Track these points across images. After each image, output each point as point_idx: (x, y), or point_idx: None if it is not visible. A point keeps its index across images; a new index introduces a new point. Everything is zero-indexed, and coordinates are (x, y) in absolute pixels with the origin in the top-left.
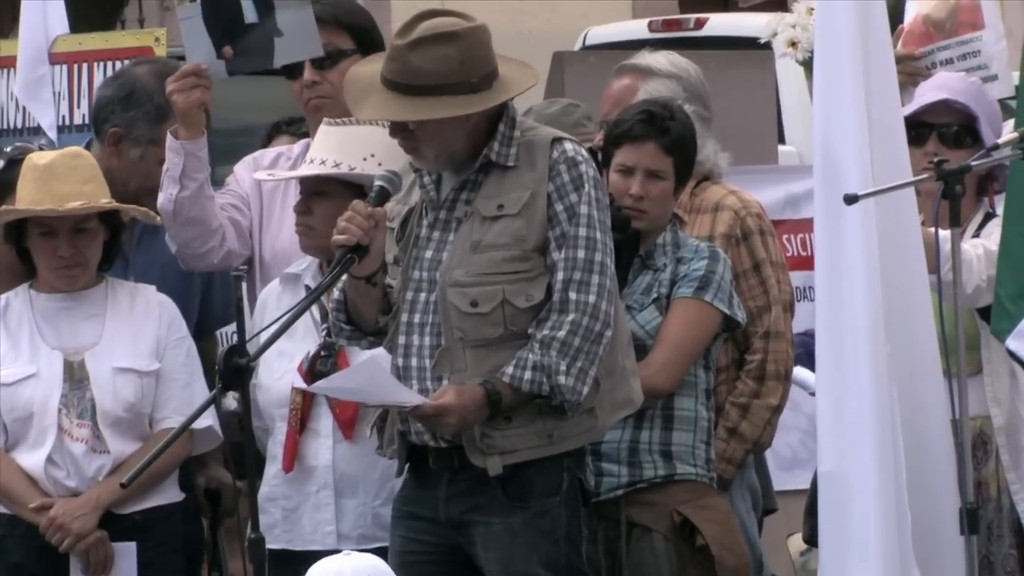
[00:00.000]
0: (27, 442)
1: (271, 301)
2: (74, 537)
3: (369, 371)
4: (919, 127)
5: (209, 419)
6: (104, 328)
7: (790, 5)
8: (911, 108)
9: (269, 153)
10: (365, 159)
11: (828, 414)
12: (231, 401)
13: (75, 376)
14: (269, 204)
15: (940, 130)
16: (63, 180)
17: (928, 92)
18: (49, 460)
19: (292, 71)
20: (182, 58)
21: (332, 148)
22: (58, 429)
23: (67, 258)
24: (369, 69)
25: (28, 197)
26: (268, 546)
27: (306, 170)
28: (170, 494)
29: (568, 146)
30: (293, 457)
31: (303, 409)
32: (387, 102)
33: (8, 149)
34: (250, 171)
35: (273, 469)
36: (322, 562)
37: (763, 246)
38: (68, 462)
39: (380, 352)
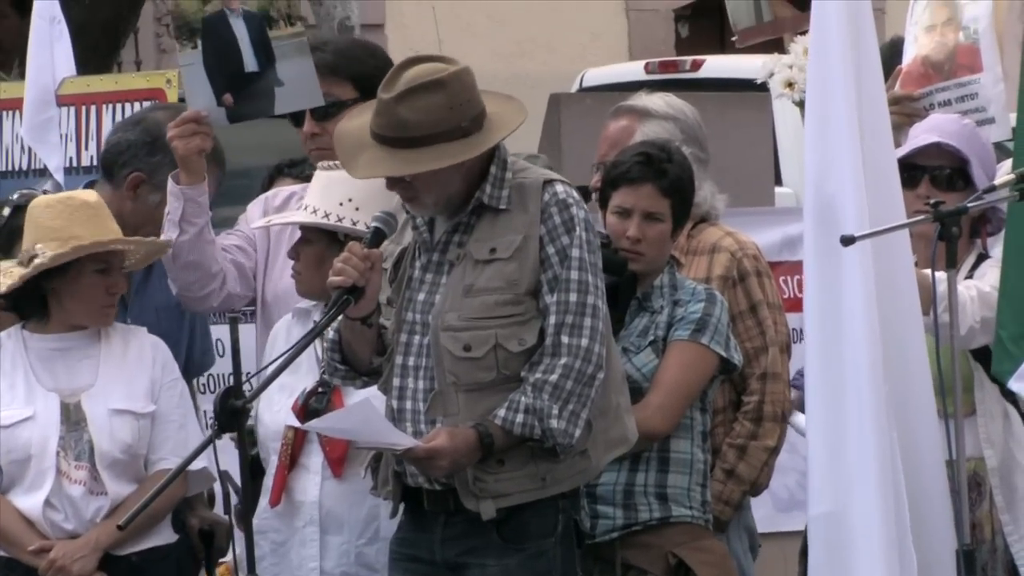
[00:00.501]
0: (24, 484)
1: (281, 335)
2: None
3: (363, 412)
4: (911, 169)
5: (203, 461)
6: (99, 370)
7: (786, 46)
8: (903, 150)
9: (282, 193)
10: (342, 204)
11: (822, 456)
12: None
13: (71, 418)
14: (275, 245)
15: (932, 172)
16: (108, 218)
17: (921, 134)
18: (47, 503)
19: (297, 118)
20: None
21: (315, 195)
22: (56, 471)
23: (114, 295)
24: (357, 123)
25: (86, 234)
26: None
27: (279, 219)
28: (165, 535)
29: (559, 188)
30: (281, 491)
31: (294, 445)
32: (380, 159)
33: (14, 196)
34: (260, 211)
35: (264, 502)
36: None
37: (760, 287)
38: (66, 504)
39: (374, 392)
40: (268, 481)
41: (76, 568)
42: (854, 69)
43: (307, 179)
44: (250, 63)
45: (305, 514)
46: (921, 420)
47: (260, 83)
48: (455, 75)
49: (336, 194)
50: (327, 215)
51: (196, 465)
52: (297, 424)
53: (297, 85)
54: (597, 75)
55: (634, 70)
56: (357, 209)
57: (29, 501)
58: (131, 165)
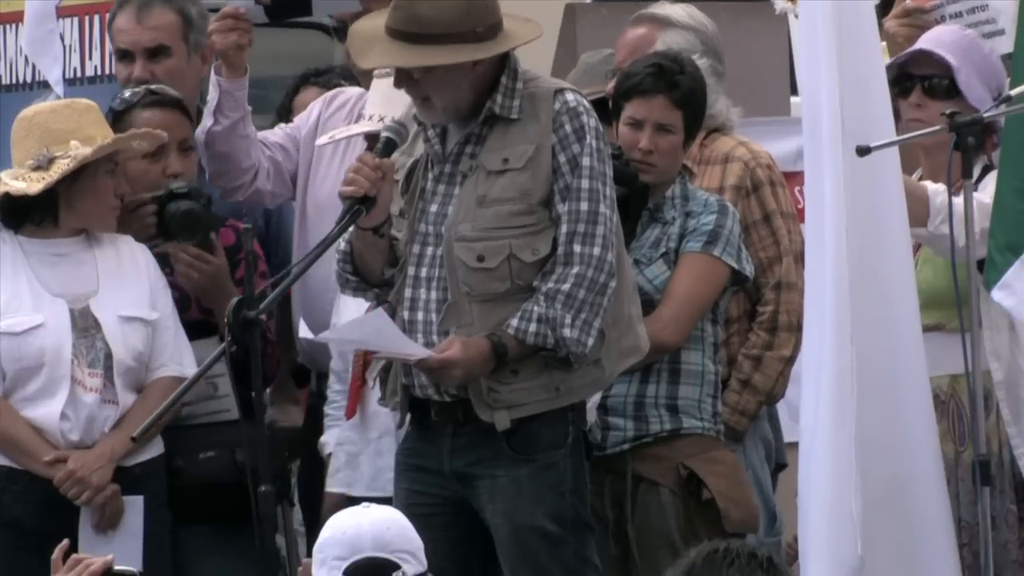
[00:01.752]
0: (33, 392)
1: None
2: (93, 490)
3: (376, 322)
4: (906, 79)
5: (196, 369)
6: (99, 276)
7: None
8: (894, 59)
9: (340, 97)
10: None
11: (809, 368)
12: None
13: (80, 324)
14: (318, 152)
15: (924, 81)
16: (106, 122)
17: (919, 43)
18: (61, 412)
19: (341, 33)
20: (214, 10)
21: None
22: (71, 380)
23: (119, 197)
24: (374, 22)
25: (99, 135)
26: (331, 489)
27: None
28: (159, 446)
29: (570, 97)
30: (355, 404)
31: (367, 356)
32: (392, 51)
33: (119, 97)
34: (321, 110)
35: (339, 414)
36: (340, 514)
37: (773, 197)
38: (80, 413)
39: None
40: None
41: (95, 479)
42: None
43: (333, 87)
44: None
45: (380, 425)
46: (901, 334)
47: None
48: None
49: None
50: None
51: (192, 371)
52: (311, 336)
53: None
54: None
55: None
56: None
57: (42, 410)
58: None
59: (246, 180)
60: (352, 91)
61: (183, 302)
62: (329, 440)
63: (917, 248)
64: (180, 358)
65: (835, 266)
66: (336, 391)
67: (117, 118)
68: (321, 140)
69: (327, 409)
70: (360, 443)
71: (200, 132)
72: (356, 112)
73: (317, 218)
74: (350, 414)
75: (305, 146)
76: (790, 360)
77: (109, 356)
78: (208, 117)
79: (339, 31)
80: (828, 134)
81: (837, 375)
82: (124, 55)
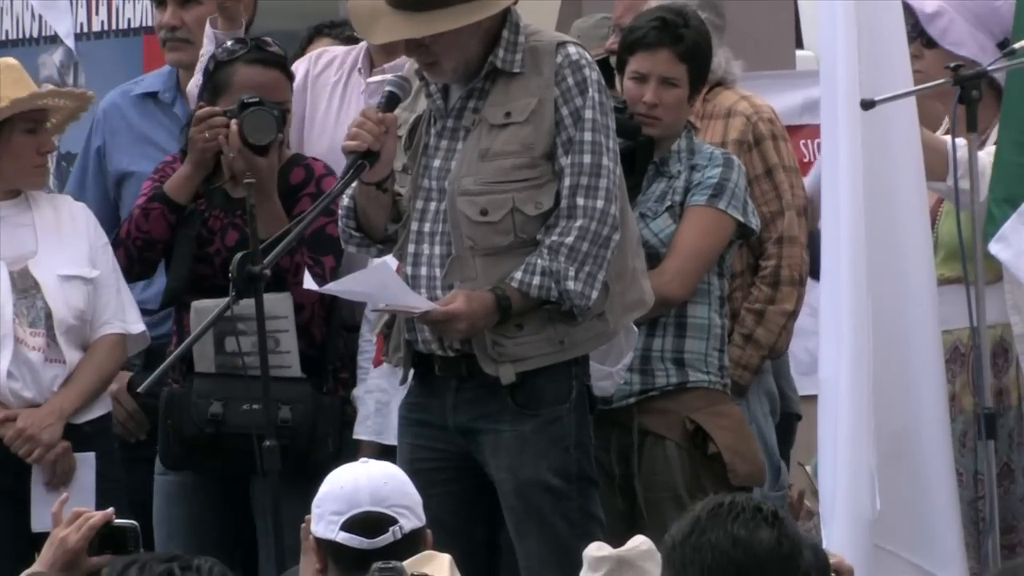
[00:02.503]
0: None
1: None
2: (43, 448)
3: (380, 275)
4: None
5: (141, 325)
6: (37, 237)
7: None
8: None
9: (326, 55)
10: None
11: (828, 321)
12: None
13: (20, 285)
14: (313, 102)
15: (918, 32)
16: (30, 80)
17: None
18: (7, 371)
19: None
20: None
21: None
22: (14, 339)
23: (44, 155)
24: None
25: (13, 94)
26: (359, 436)
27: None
28: (106, 404)
29: (572, 50)
30: (382, 351)
31: None
32: (398, 22)
33: (219, 50)
34: (304, 70)
35: (368, 366)
36: (338, 471)
37: (775, 151)
38: (25, 372)
39: (391, 259)
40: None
41: (45, 436)
42: None
43: (347, 40)
44: None
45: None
46: (913, 287)
47: None
48: None
49: None
50: None
51: (136, 329)
52: (315, 287)
53: None
54: None
55: None
56: None
57: None
58: None
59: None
60: (338, 49)
61: (242, 244)
62: (360, 392)
63: (940, 201)
64: (124, 315)
65: (851, 218)
66: (367, 340)
67: (218, 67)
68: (374, 78)
69: (359, 360)
70: (391, 391)
71: (192, 86)
72: (345, 70)
73: None
74: (378, 362)
75: (296, 103)
76: (793, 314)
77: (50, 315)
78: (200, 72)
79: None
80: (844, 85)
81: (855, 329)
82: (159, 2)
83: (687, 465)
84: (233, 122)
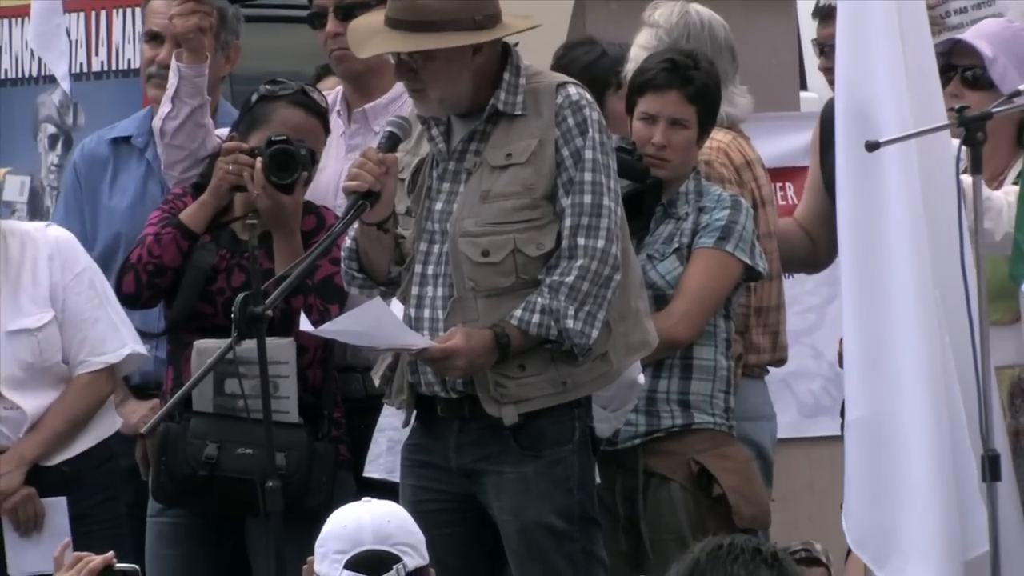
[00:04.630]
0: None
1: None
2: (0, 496)
3: (375, 313)
4: (947, 69)
5: (130, 345)
6: None
7: None
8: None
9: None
10: None
11: (859, 361)
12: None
13: None
14: None
15: (963, 72)
16: None
17: (963, 35)
18: None
19: (315, 21)
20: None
21: None
22: None
23: None
24: (374, 18)
25: None
26: (371, 474)
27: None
28: (98, 432)
29: (572, 90)
30: (385, 394)
31: None
32: (391, 38)
33: (263, 87)
34: None
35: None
36: (341, 510)
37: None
38: None
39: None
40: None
41: (2, 485)
42: None
43: None
44: None
45: None
46: (957, 327)
47: None
48: None
49: None
50: None
51: (121, 353)
52: (312, 329)
53: None
54: None
55: None
56: None
57: None
58: None
59: (200, 171)
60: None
61: (247, 286)
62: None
63: None
64: (101, 346)
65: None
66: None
67: (260, 101)
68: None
69: None
70: (403, 430)
71: (156, 120)
72: (333, 108)
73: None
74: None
75: None
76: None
77: None
78: (166, 104)
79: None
80: (896, 124)
81: (930, 367)
82: (154, 37)
83: (692, 507)
84: (258, 159)
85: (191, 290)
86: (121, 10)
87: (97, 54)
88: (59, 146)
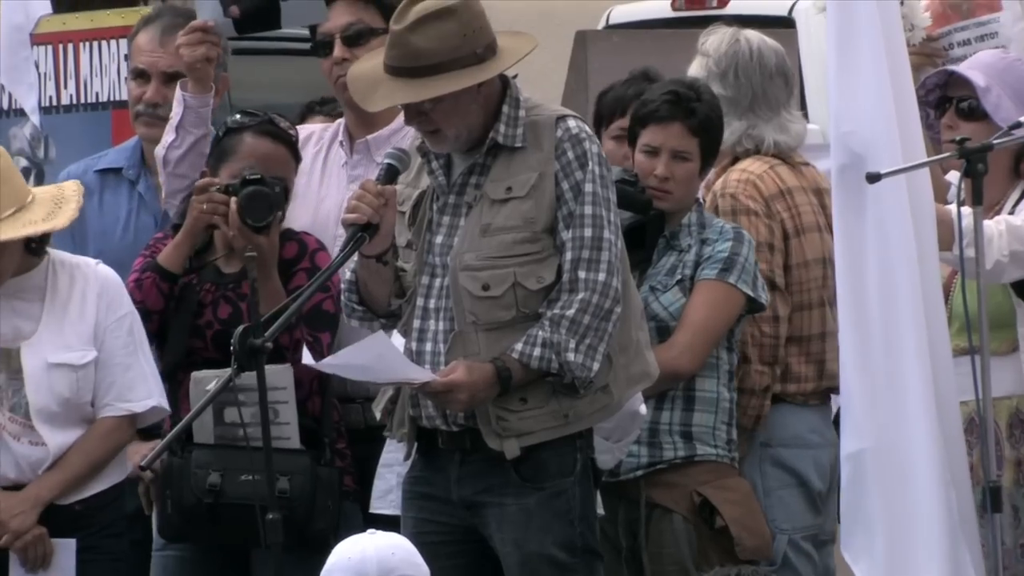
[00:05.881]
0: None
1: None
2: (12, 535)
3: (377, 347)
4: (942, 101)
5: (155, 399)
6: (41, 317)
7: None
8: (927, 78)
9: (303, 130)
10: None
11: (857, 396)
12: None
13: (11, 366)
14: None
15: (958, 103)
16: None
17: (958, 66)
18: None
19: (321, 49)
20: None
21: None
22: None
23: None
24: (370, 64)
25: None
26: (380, 511)
27: None
28: (112, 477)
29: (572, 123)
30: (387, 427)
31: None
32: (397, 89)
33: (228, 119)
34: None
35: (391, 444)
36: (346, 542)
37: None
38: (6, 454)
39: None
40: None
41: (14, 524)
42: (877, 9)
43: (338, 116)
44: None
45: None
46: (938, 359)
47: None
48: (465, 4)
49: None
50: None
51: (146, 404)
52: (313, 363)
53: (301, 1)
54: (624, 12)
55: (661, 7)
56: None
57: None
58: None
59: (180, 210)
60: (314, 126)
61: (235, 317)
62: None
63: (954, 273)
64: (129, 394)
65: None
66: None
67: (227, 134)
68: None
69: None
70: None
71: (160, 148)
72: (324, 143)
73: None
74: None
75: None
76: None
77: (28, 403)
78: (170, 133)
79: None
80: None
81: (925, 398)
82: (140, 74)
83: (694, 538)
84: (233, 200)
85: (181, 334)
86: (88, 43)
87: (66, 87)
88: (31, 179)
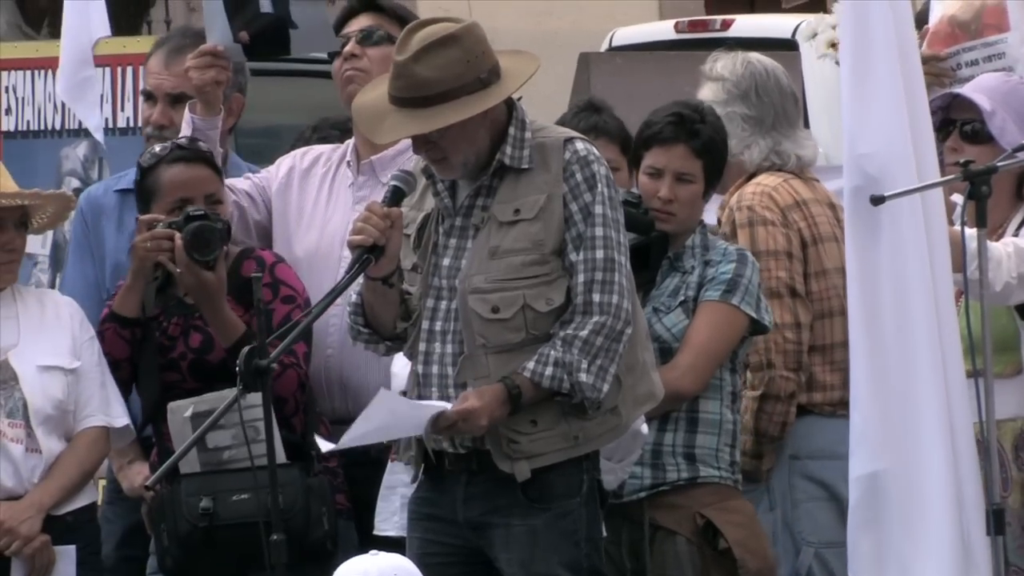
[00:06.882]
0: None
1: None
2: (22, 541)
3: (386, 404)
4: (946, 123)
5: (127, 419)
6: (20, 329)
7: (829, 6)
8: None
9: (312, 152)
10: None
11: (867, 417)
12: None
13: (2, 375)
14: (300, 199)
15: (962, 126)
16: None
17: (962, 89)
18: None
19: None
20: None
21: None
22: None
23: (11, 251)
24: (373, 95)
25: None
26: (386, 533)
27: None
28: (91, 493)
29: (580, 145)
30: (393, 449)
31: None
32: (404, 120)
33: (141, 159)
34: (295, 163)
35: (392, 465)
36: (348, 562)
37: (749, 238)
38: (7, 463)
39: (384, 390)
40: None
41: (24, 530)
42: (894, 30)
43: (323, 140)
44: (265, 3)
45: None
46: (952, 380)
47: (275, 23)
48: (467, 29)
49: None
50: None
51: (119, 422)
52: (333, 447)
53: (311, 29)
54: (626, 34)
55: (664, 29)
56: None
57: None
58: None
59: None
60: (323, 147)
61: (207, 344)
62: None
63: (959, 295)
64: (107, 408)
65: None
66: None
67: (144, 174)
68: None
69: None
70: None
71: None
72: (332, 163)
73: (309, 269)
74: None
75: (277, 199)
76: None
77: (27, 406)
78: None
79: None
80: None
81: (939, 419)
82: (148, 96)
83: (697, 561)
84: (178, 237)
85: (152, 371)
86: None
87: (123, 110)
88: None
